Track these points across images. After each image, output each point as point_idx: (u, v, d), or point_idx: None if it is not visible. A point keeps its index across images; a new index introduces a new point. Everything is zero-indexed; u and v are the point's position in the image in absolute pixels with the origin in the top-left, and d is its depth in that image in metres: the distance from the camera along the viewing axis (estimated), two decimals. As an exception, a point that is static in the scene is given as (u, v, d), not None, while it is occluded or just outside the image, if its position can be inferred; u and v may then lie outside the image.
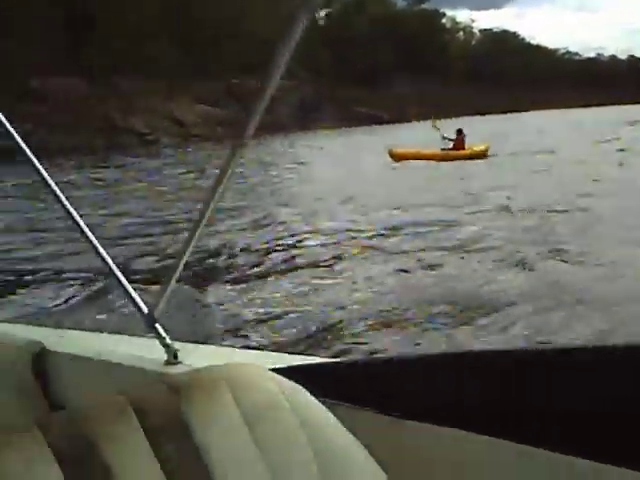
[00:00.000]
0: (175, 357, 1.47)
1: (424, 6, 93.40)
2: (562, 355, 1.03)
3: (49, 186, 1.57)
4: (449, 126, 21.31)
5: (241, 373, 1.03)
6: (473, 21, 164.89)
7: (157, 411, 0.92)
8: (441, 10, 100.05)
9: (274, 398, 0.99)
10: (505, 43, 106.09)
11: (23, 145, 1.58)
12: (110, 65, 46.34)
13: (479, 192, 13.40)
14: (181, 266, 1.37)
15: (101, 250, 1.57)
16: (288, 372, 1.11)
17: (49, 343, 1.79)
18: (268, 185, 17.72)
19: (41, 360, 1.76)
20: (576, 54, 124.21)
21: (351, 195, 14.00)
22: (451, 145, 20.04)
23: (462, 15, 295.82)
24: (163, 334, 1.48)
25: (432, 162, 18.79)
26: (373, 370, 1.26)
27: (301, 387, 1.05)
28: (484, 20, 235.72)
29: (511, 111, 71.95)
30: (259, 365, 1.11)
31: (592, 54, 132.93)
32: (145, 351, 1.56)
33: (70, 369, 1.74)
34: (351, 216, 11.70)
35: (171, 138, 45.32)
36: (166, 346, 1.48)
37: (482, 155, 19.54)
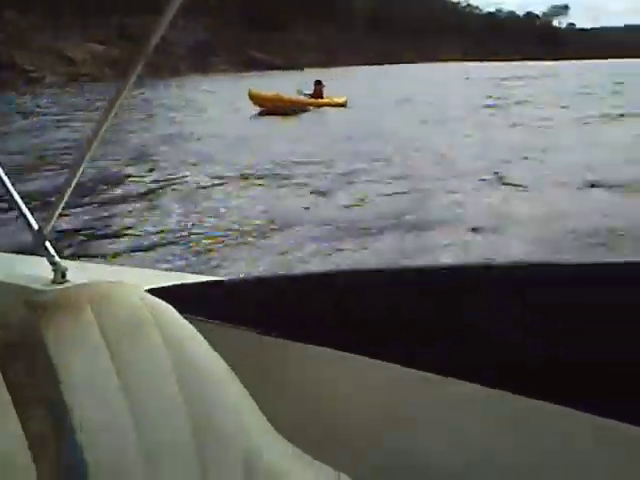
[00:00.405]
0: (63, 276, 1.44)
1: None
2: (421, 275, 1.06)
3: None
4: (334, 76, 22.36)
5: (110, 291, 1.01)
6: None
7: (14, 329, 0.89)
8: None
9: (139, 316, 0.98)
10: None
11: None
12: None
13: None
14: (72, 186, 1.36)
15: None
16: (163, 291, 1.10)
17: None
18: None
19: None
20: (476, 8, 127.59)
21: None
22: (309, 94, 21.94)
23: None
24: (52, 252, 1.45)
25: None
26: (247, 289, 1.30)
27: (170, 306, 1.03)
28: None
29: (407, 62, 73.50)
30: (131, 284, 1.08)
31: (492, 9, 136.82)
32: (35, 270, 1.52)
33: None
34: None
35: (58, 77, 44.13)
36: (54, 264, 1.45)
37: (340, 105, 21.56)
